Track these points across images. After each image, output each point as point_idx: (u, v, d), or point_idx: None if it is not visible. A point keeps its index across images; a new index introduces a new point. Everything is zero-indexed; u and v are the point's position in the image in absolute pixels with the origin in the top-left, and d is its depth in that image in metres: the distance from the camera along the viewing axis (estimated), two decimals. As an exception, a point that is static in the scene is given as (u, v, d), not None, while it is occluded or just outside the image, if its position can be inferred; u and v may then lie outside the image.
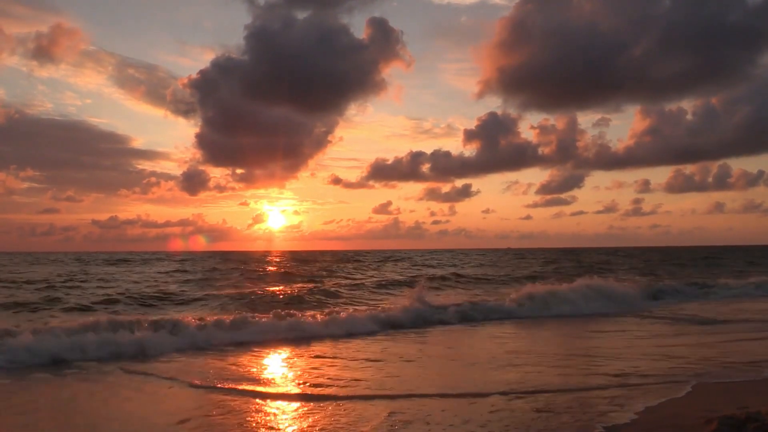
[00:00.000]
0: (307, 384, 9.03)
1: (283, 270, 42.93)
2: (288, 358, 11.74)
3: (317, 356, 11.65)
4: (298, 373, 10.04)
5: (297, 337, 14.02)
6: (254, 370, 10.38)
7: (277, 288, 27.12)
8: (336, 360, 11.24)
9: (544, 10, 69.82)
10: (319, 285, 28.32)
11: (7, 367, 10.43)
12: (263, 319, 15.14)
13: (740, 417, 6.36)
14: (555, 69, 67.98)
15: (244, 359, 11.43)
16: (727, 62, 65.85)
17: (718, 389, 8.31)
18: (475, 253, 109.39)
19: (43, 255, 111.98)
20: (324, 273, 39.69)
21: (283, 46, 64.19)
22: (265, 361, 11.39)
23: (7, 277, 33.35)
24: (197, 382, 9.26)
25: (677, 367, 10.01)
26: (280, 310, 16.08)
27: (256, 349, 12.66)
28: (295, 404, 7.88)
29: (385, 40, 77.11)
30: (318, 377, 9.52)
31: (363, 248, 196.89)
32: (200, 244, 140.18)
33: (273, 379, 9.70)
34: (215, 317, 15.14)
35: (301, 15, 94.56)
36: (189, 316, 15.30)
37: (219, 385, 8.99)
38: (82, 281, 30.73)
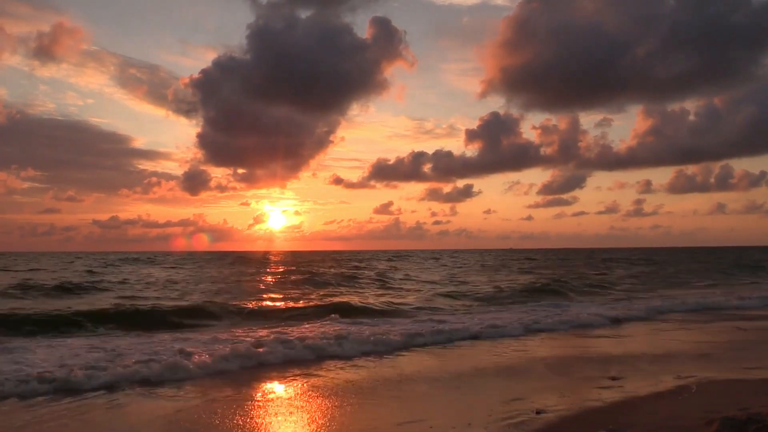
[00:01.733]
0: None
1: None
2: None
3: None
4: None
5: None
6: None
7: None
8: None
9: (547, 9, 69.84)
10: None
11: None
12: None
13: (741, 418, 6.31)
14: (558, 68, 68.07)
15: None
16: (731, 62, 65.84)
17: (719, 389, 8.27)
18: (497, 254, 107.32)
19: (57, 254, 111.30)
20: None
21: (285, 45, 64.22)
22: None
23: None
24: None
25: (678, 367, 9.98)
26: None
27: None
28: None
29: (388, 39, 77.21)
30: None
31: (363, 249, 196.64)
32: (201, 244, 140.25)
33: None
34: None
35: (304, 14, 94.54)
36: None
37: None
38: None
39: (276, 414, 7.40)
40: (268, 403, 7.95)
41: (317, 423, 6.98)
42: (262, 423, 7.00)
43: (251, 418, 7.15)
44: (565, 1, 77.25)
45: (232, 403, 7.84)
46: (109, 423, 7.10)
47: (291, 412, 7.44)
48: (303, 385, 9.04)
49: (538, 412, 7.18)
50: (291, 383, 9.18)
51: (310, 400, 8.10)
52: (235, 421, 7.00)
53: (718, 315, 18.37)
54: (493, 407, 7.47)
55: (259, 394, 8.59)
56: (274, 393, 8.65)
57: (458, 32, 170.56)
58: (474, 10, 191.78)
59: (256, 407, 7.71)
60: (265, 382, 9.33)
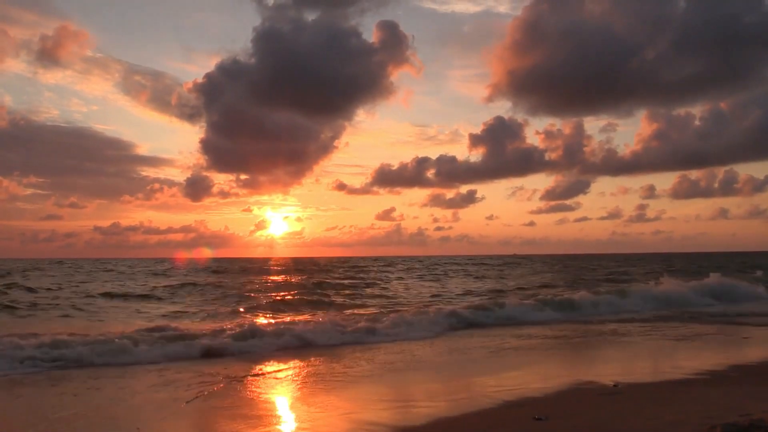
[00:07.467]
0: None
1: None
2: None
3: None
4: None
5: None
6: None
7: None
8: None
9: (554, 12, 69.51)
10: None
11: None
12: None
13: (743, 424, 6.22)
14: (565, 72, 67.60)
15: None
16: (741, 65, 64.90)
17: (720, 394, 8.17)
18: (526, 261, 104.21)
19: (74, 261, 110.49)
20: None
21: (291, 48, 63.73)
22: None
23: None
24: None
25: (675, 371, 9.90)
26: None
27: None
28: None
29: (396, 44, 76.72)
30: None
31: (364, 255, 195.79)
32: (202, 251, 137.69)
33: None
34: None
35: (311, 16, 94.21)
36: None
37: None
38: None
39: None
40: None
41: None
42: None
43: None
44: (572, 5, 76.65)
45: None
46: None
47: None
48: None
49: (537, 419, 7.12)
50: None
51: None
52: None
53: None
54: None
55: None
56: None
57: (461, 39, 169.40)
58: (475, 18, 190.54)
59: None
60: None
